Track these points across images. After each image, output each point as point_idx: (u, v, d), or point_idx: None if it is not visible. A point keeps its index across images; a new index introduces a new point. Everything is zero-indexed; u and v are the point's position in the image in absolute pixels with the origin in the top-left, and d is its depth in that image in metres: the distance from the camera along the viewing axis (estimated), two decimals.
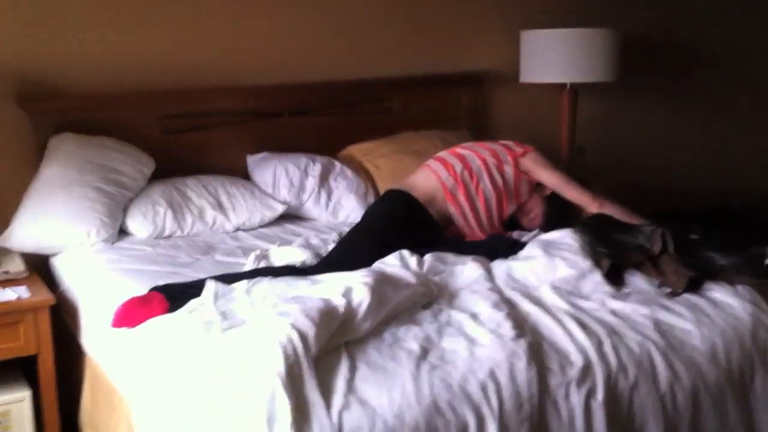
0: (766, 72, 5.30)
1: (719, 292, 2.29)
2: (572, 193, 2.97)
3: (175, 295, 2.25)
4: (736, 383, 2.08)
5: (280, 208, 3.22)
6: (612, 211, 2.84)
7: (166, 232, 3.02)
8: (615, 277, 2.40)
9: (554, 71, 3.85)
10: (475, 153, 3.04)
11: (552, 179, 3.00)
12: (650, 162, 4.83)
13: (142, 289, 2.36)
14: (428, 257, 2.49)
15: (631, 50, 4.26)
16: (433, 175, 2.96)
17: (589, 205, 2.91)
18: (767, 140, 5.43)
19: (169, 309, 2.19)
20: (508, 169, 3.00)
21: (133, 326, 2.18)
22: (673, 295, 2.27)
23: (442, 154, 3.07)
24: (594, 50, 3.79)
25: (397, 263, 2.43)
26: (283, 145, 3.48)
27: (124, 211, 3.02)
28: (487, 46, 4.15)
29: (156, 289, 2.33)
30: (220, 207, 3.12)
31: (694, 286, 2.31)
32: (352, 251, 2.64)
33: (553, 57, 3.82)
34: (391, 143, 3.61)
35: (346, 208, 3.32)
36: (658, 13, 4.73)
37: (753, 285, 2.31)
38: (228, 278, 2.33)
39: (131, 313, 2.21)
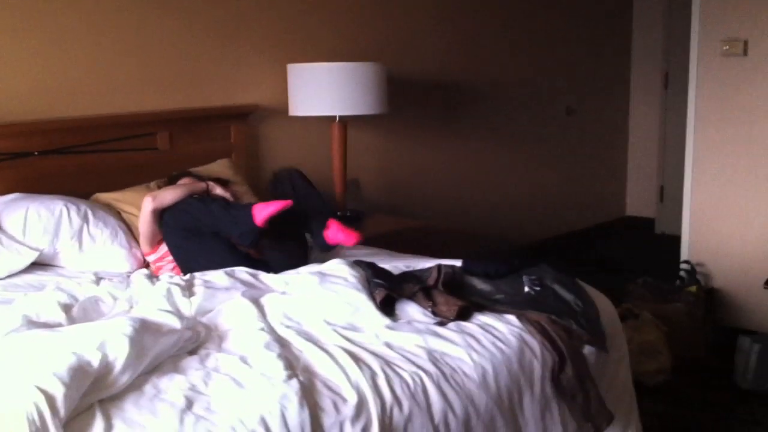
0: (522, 106, 5.65)
1: (488, 317, 2.34)
2: None
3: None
4: (506, 407, 2.12)
5: (30, 256, 2.93)
6: None
7: None
8: (389, 308, 2.39)
9: (322, 104, 3.85)
10: None
11: None
12: (421, 192, 4.97)
13: None
14: (199, 294, 2.38)
15: (397, 85, 4.37)
16: None
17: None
18: (527, 169, 5.78)
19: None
20: None
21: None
22: (442, 324, 2.29)
23: None
24: (361, 84, 3.83)
25: (163, 302, 2.30)
26: (35, 187, 3.19)
27: None
28: (255, 80, 4.09)
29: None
30: None
31: (465, 315, 2.34)
32: None
33: (321, 90, 3.81)
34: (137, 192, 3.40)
35: (108, 258, 3.06)
36: (424, 50, 4.91)
37: (515, 314, 2.37)
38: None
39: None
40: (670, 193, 6.27)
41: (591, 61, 6.25)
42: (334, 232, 2.85)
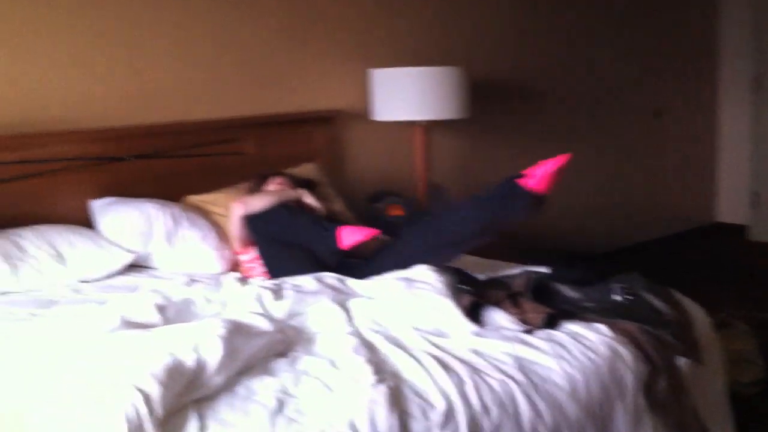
0: (606, 108, 5.55)
1: (578, 326, 2.30)
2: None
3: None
4: (597, 418, 2.07)
5: (125, 258, 3.03)
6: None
7: (2, 288, 2.77)
8: (476, 315, 2.38)
9: (405, 109, 3.85)
10: None
11: None
12: None
13: None
14: (289, 297, 2.41)
15: (480, 88, 4.34)
16: None
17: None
18: (611, 174, 5.68)
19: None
20: None
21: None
22: (529, 332, 2.26)
23: None
24: (444, 88, 3.82)
25: (255, 304, 2.34)
26: (128, 191, 3.30)
27: None
28: (337, 85, 4.12)
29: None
30: (60, 258, 2.91)
31: (553, 323, 2.31)
32: None
33: (403, 95, 3.82)
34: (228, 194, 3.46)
35: (199, 260, 3.13)
36: (504, 54, 4.86)
37: (606, 323, 2.33)
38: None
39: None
40: (765, 198, 6.05)
41: (676, 61, 6.09)
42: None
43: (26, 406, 1.91)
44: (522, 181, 2.67)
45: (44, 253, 2.89)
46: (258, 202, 3.00)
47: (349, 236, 2.76)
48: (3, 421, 2.17)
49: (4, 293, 2.78)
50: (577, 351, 2.17)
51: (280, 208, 2.96)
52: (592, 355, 2.16)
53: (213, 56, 3.72)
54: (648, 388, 2.19)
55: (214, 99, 3.73)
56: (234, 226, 3.04)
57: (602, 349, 2.19)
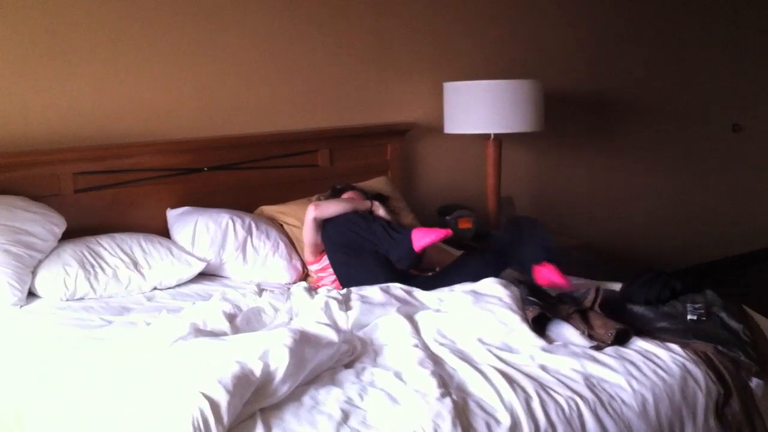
0: (683, 123, 5.43)
1: (648, 344, 2.26)
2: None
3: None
4: None
5: (198, 266, 3.09)
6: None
7: (78, 294, 2.87)
8: (542, 329, 2.35)
9: (477, 122, 3.84)
10: None
11: None
12: (575, 211, 4.87)
13: (49, 354, 2.33)
14: (356, 308, 2.42)
15: (553, 101, 4.30)
16: None
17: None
18: (687, 190, 5.55)
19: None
20: None
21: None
22: (598, 348, 2.23)
23: None
24: (517, 101, 3.79)
25: (321, 315, 2.36)
26: (204, 201, 3.38)
27: (33, 272, 2.86)
28: (411, 99, 4.13)
29: None
30: (135, 266, 2.99)
31: (622, 339, 2.27)
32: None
33: (476, 108, 3.80)
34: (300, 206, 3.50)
35: (269, 270, 3.18)
36: (578, 66, 4.81)
37: (679, 344, 2.28)
38: None
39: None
40: None
41: (758, 75, 5.92)
42: (548, 273, 2.74)
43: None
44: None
45: (120, 261, 2.98)
46: (332, 207, 3.04)
47: (422, 237, 2.78)
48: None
49: (79, 299, 2.87)
50: (648, 369, 2.13)
51: (353, 215, 2.99)
52: (663, 374, 2.12)
53: (291, 72, 3.77)
54: (720, 410, 2.14)
55: (291, 112, 3.79)
56: (307, 229, 3.07)
57: (674, 369, 2.14)
